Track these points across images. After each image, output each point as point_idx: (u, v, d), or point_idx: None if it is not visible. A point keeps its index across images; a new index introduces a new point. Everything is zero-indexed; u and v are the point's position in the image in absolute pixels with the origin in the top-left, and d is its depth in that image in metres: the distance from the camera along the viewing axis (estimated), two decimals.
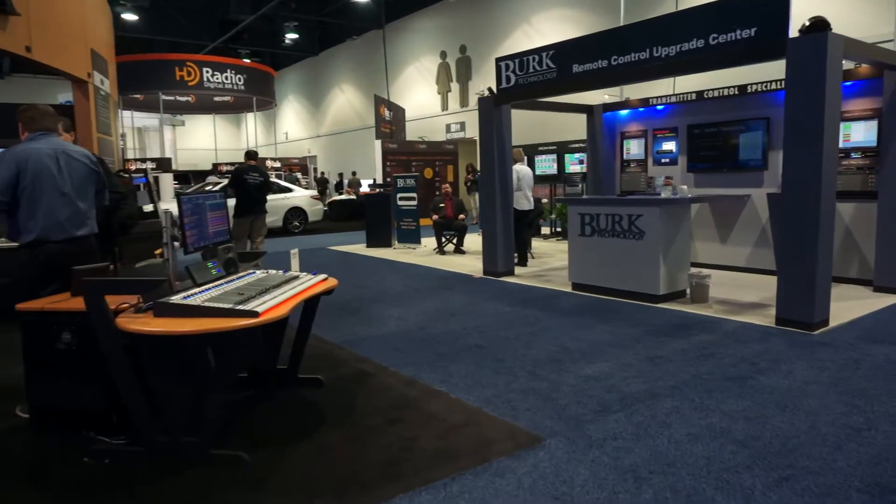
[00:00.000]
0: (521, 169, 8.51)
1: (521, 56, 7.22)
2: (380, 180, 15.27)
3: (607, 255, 6.36)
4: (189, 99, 20.80)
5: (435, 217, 10.39)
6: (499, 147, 7.73)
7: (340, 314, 5.99)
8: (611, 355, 4.36)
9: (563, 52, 6.70)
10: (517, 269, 8.16)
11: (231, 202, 5.23)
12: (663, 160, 8.50)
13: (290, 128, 34.71)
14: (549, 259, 9.43)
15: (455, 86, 22.45)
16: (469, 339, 4.89)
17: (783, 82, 6.79)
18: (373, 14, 22.11)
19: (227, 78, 16.66)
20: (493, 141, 7.71)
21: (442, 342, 4.85)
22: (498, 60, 7.55)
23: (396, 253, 10.67)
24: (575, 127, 16.49)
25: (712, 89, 7.73)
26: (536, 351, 4.52)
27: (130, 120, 28.22)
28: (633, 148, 8.88)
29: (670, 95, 8.32)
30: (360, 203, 16.06)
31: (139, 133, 31.99)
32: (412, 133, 21.94)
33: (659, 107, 8.42)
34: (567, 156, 11.92)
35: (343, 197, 20.11)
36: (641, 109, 8.71)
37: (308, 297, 3.46)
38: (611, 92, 15.47)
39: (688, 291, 6.11)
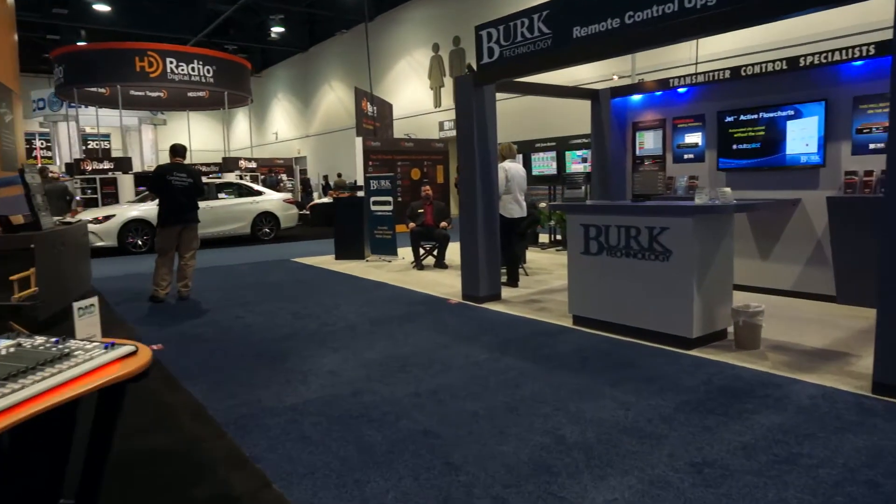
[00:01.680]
0: (510, 167, 6.91)
1: (507, 21, 5.62)
2: (362, 182, 13.67)
3: (620, 282, 4.75)
4: (161, 94, 19.24)
5: (412, 225, 8.79)
6: (480, 139, 6.14)
7: (256, 363, 4.39)
8: (632, 459, 2.74)
9: (560, 11, 5.09)
10: (505, 292, 6.55)
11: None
12: (686, 156, 6.89)
13: (279, 127, 33.18)
14: (547, 276, 7.81)
15: (449, 80, 20.85)
16: (417, 419, 3.28)
17: (852, 51, 5.19)
18: (361, 5, 20.56)
19: (193, 69, 15.06)
20: (473, 132, 6.11)
21: (376, 423, 3.24)
22: (478, 29, 5.96)
23: (367, 267, 9.07)
24: (578, 119, 14.89)
25: (751, 64, 6.11)
26: (514, 446, 2.91)
27: (118, 119, 26.78)
28: (649, 141, 7.26)
29: (695, 74, 6.71)
30: None
31: (122, 133, 30.53)
32: (403, 131, 20.35)
33: (681, 89, 6.80)
34: (569, 153, 10.33)
35: (325, 200, 18.51)
36: (658, 94, 7.09)
37: (102, 387, 1.88)
38: (621, 71, 13.88)
39: (730, 332, 4.50)
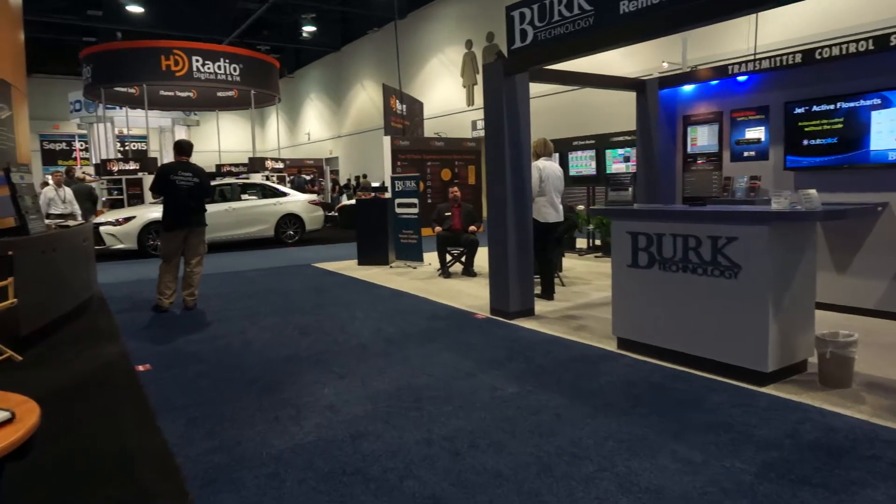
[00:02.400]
0: (545, 166, 6.20)
1: None
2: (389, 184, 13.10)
3: (675, 301, 4.00)
4: (191, 94, 19.01)
5: (438, 229, 8.13)
6: (512, 134, 5.45)
7: (247, 392, 3.79)
8: None
9: None
10: (539, 305, 5.84)
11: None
12: (746, 153, 6.08)
13: (312, 128, 32.95)
14: (585, 287, 7.06)
15: (482, 78, 20.17)
16: (425, 478, 2.62)
17: None
18: (393, 2, 20.04)
19: (220, 68, 14.70)
20: (503, 126, 5.43)
21: (374, 483, 2.59)
22: (509, 10, 5.27)
23: (390, 274, 8.45)
24: (619, 115, 14.01)
25: (828, 45, 5.27)
26: None
27: (147, 120, 26.84)
28: (702, 137, 6.47)
29: (756, 59, 5.88)
30: None
31: (148, 132, 30.69)
32: (434, 131, 19.75)
33: (741, 78, 5.99)
34: (609, 152, 9.53)
35: (354, 202, 18.00)
36: (714, 83, 6.29)
37: None
38: (671, 59, 12.97)
39: (812, 363, 3.71)
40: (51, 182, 10.23)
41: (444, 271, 8.04)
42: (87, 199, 12.83)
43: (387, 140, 13.63)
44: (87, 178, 13.73)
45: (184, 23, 23.66)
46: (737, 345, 3.66)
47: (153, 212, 11.44)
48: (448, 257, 8.16)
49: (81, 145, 29.55)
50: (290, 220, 13.04)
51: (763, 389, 3.52)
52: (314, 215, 13.47)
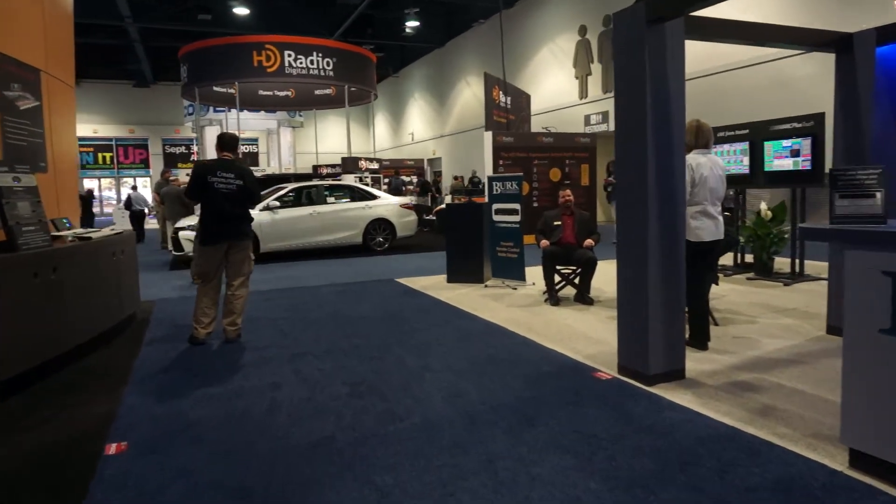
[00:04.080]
0: (701, 163, 4.35)
1: None
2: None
3: None
4: (289, 93, 18.48)
5: (544, 243, 6.44)
6: (657, 112, 3.68)
7: None
8: None
9: None
10: (690, 360, 4.01)
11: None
12: None
13: (415, 128, 32.10)
14: (749, 328, 5.10)
15: (597, 67, 18.12)
16: None
17: None
18: None
19: (312, 62, 13.80)
20: (642, 99, 3.67)
21: None
22: None
23: (484, 297, 6.86)
24: (778, 100, 11.56)
25: None
26: None
27: (262, 122, 27.14)
28: None
29: None
30: None
31: (267, 135, 31.17)
32: (542, 126, 17.94)
33: None
34: (769, 144, 7.39)
35: (454, 203, 16.59)
36: None
37: None
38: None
39: None
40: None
41: (552, 296, 6.33)
42: (177, 202, 12.32)
43: (488, 136, 12.07)
44: (175, 181, 13.26)
45: (288, 23, 23.41)
46: None
47: None
48: (556, 278, 6.46)
49: (198, 149, 30.52)
50: (380, 226, 11.81)
51: None
52: (406, 220, 12.15)
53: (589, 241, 6.34)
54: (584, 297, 6.29)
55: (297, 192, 11.52)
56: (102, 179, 33.85)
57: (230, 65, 13.69)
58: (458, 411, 3.44)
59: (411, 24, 24.81)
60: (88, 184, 30.14)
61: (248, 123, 27.78)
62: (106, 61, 30.94)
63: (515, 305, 6.32)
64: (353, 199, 11.86)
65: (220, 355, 4.78)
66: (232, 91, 16.76)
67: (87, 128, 33.02)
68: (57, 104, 5.72)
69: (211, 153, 22.80)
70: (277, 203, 10.80)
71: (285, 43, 13.81)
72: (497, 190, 7.50)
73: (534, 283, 7.35)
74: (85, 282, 4.69)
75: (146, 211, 16.13)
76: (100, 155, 33.57)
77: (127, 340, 5.26)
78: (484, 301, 6.60)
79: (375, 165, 15.74)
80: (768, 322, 5.27)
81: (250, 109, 21.42)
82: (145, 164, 33.94)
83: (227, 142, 5.15)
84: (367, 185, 14.90)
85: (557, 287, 6.44)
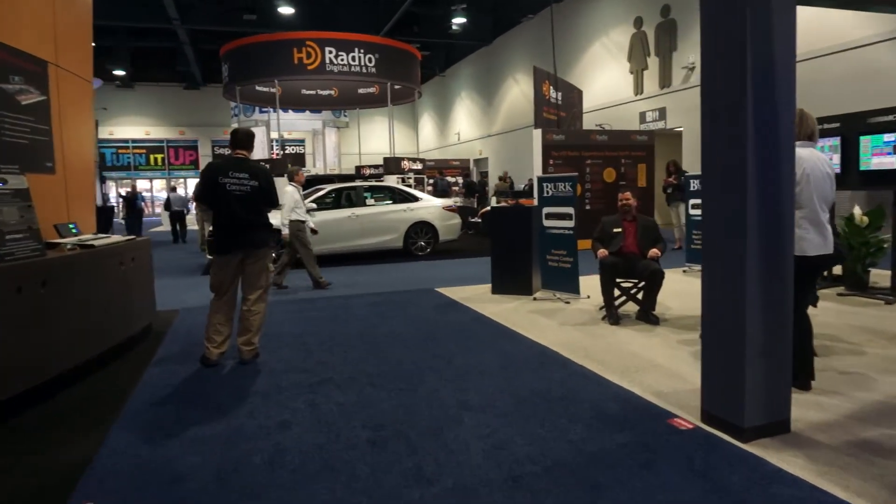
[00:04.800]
0: (806, 158, 3.52)
1: None
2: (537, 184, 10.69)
3: None
4: (332, 92, 18.07)
5: (602, 252, 5.64)
6: (761, 81, 2.88)
7: None
8: None
9: None
10: (797, 402, 3.17)
11: None
12: None
13: (461, 128, 31.43)
14: (856, 361, 4.20)
15: (653, 61, 17.04)
16: None
17: None
18: None
19: (354, 59, 13.28)
20: (740, 64, 2.87)
21: None
22: None
23: (533, 313, 6.11)
24: (877, 90, 10.40)
25: None
26: None
27: (308, 123, 26.98)
28: None
29: None
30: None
31: (312, 136, 31.06)
32: (594, 125, 16.99)
33: None
34: (866, 139, 6.40)
35: (500, 206, 15.83)
36: None
37: None
38: None
39: None
40: (293, 183, 7.98)
41: (612, 314, 5.53)
42: None
43: (537, 134, 11.29)
44: None
45: (332, 22, 23.06)
46: None
47: (271, 218, 10.12)
48: (616, 291, 5.66)
49: None
50: (422, 229, 11.18)
51: None
52: (449, 223, 11.48)
53: (654, 251, 5.51)
54: (648, 315, 5.47)
55: (336, 194, 11.01)
56: (154, 181, 34.50)
57: (270, 62, 13.30)
58: (500, 471, 2.73)
59: (458, 20, 24.15)
60: (142, 185, 30.70)
61: (294, 124, 27.68)
62: (159, 64, 31.49)
63: (569, 324, 5.56)
64: (395, 201, 11.26)
65: (230, 380, 4.20)
66: (274, 91, 16.47)
67: (140, 130, 33.73)
68: (69, 99, 5.27)
69: (257, 154, 22.68)
70: (314, 205, 10.29)
71: (326, 39, 13.34)
72: (548, 192, 6.74)
73: (588, 297, 6.56)
74: (83, 295, 4.18)
75: (184, 212, 15.98)
76: (151, 156, 34.20)
77: (133, 360, 4.74)
78: (533, 318, 5.86)
79: (419, 166, 15.08)
80: (879, 353, 4.36)
81: (294, 110, 21.17)
82: (195, 165, 34.36)
83: (240, 138, 4.57)
84: (409, 186, 14.32)
85: (618, 303, 5.64)
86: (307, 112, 22.32)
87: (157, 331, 5.64)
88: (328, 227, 10.34)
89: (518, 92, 24.89)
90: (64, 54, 5.21)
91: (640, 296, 5.61)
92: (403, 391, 3.85)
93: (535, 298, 6.75)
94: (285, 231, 7.76)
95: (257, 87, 16.08)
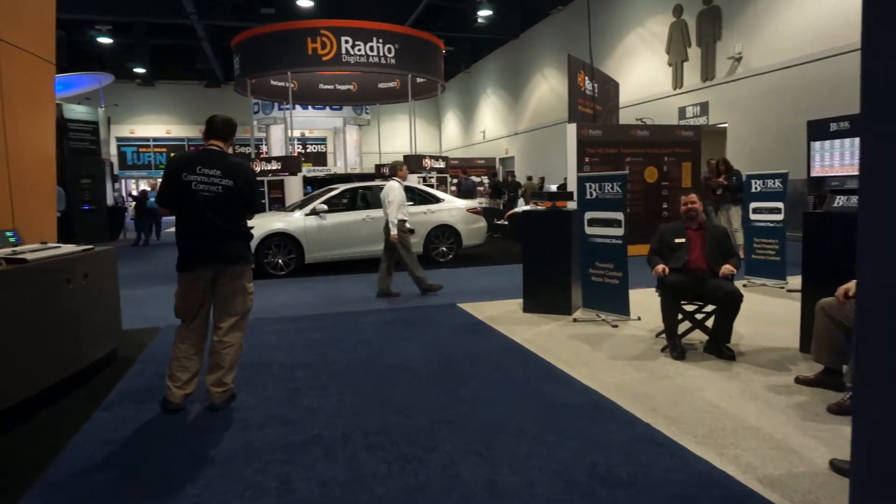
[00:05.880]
0: None
1: None
2: (573, 183, 9.59)
3: None
4: (350, 87, 17.19)
5: (661, 269, 4.57)
6: None
7: None
8: None
9: None
10: None
11: None
12: None
13: (487, 125, 30.38)
14: None
15: (694, 52, 15.82)
16: None
17: None
18: None
19: (371, 49, 12.36)
20: None
21: None
22: None
23: (573, 339, 5.07)
24: None
25: None
26: None
27: (329, 121, 26.20)
28: None
29: None
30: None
31: (333, 134, 30.30)
32: (630, 120, 15.83)
33: None
34: None
35: (528, 208, 14.76)
36: None
37: None
38: None
39: None
40: (396, 178, 7.21)
41: (675, 347, 4.47)
42: None
43: (571, 129, 10.22)
44: None
45: (352, 16, 22.20)
46: None
47: (278, 220, 9.26)
48: (679, 315, 4.60)
49: (266, 148, 30.05)
50: (444, 234, 10.19)
51: None
52: (474, 227, 10.48)
53: (728, 268, 4.45)
54: (721, 348, 4.40)
55: (350, 195, 10.09)
56: None
57: (283, 53, 12.42)
58: None
59: (484, 13, 23.11)
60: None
61: (315, 122, 26.91)
62: (179, 62, 31.05)
63: (622, 357, 4.51)
64: (414, 203, 10.29)
65: (190, 436, 3.25)
66: (291, 85, 15.62)
67: (161, 128, 33.34)
68: (20, 82, 4.39)
69: (277, 151, 21.81)
70: (325, 207, 9.37)
71: (342, 28, 12.41)
72: (592, 194, 5.69)
73: (639, 318, 5.51)
74: (8, 322, 3.27)
75: None
76: (172, 155, 33.79)
77: (81, 399, 3.83)
78: (576, 346, 4.82)
79: (441, 164, 14.07)
80: None
81: (314, 106, 20.35)
82: None
83: (216, 126, 3.62)
84: (431, 185, 13.35)
85: (681, 330, 4.58)
86: (327, 109, 21.50)
87: (126, 356, 4.74)
88: (340, 232, 9.44)
89: (546, 88, 23.77)
90: (12, 27, 4.33)
91: (709, 323, 4.54)
92: (410, 463, 2.86)
93: (574, 320, 5.71)
94: (394, 232, 6.86)
95: (272, 82, 15.24)
